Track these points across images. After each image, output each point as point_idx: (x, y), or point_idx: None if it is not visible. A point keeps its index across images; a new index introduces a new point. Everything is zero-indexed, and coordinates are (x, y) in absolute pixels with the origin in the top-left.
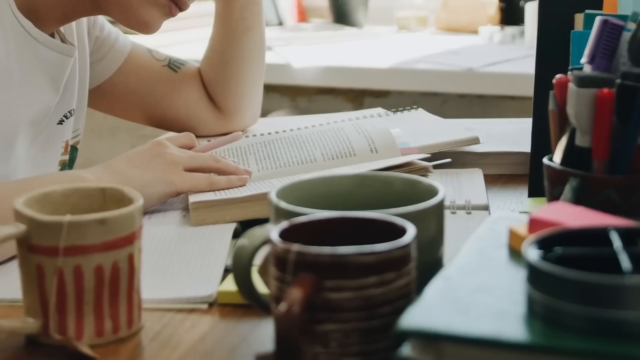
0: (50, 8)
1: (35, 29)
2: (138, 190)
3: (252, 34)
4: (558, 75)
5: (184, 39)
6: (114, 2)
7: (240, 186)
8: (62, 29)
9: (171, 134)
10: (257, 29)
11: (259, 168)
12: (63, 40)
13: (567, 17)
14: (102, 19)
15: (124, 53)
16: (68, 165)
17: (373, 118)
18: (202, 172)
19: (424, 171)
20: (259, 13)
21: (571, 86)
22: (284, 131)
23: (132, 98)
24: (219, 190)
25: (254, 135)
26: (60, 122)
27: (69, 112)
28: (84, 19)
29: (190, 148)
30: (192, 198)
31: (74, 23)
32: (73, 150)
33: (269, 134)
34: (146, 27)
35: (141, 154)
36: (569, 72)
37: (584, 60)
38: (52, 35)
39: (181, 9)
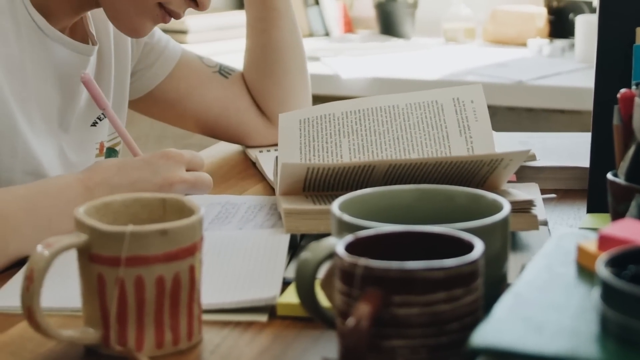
0: (60, 2)
1: (47, 25)
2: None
3: (273, 34)
4: (623, 90)
5: (232, 48)
6: (111, 5)
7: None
8: (93, 30)
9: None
10: (276, 31)
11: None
12: (86, 39)
13: (628, 30)
14: None
15: (174, 59)
16: None
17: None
18: None
19: (526, 204)
20: (279, 16)
21: (637, 100)
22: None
23: (183, 104)
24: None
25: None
26: (94, 124)
27: (102, 114)
28: None
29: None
30: (285, 204)
31: (110, 27)
32: (111, 152)
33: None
34: (136, 34)
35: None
36: (634, 86)
37: None
38: (65, 31)
39: (175, 19)
